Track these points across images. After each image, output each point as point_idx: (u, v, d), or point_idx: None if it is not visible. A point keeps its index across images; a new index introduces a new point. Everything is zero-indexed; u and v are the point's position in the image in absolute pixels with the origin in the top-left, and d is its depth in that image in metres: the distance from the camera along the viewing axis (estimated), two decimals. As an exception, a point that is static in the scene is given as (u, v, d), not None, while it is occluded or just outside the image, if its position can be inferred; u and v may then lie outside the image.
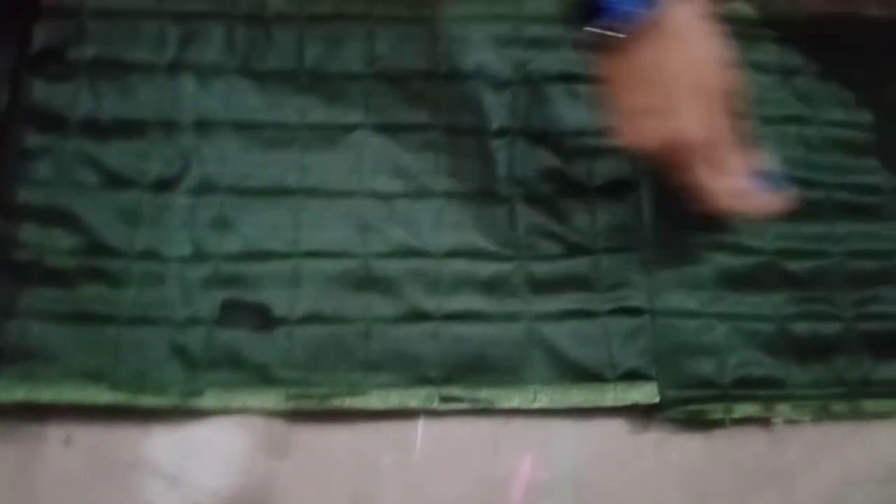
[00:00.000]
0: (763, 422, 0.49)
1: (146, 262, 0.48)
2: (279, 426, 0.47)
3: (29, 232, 0.48)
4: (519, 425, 0.48)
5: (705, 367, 0.49)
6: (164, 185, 0.50)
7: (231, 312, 0.48)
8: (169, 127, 0.51)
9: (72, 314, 0.47)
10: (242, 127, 0.52)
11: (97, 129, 0.51)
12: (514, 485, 0.47)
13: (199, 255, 0.49)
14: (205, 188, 0.50)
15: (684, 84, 0.42)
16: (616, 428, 0.49)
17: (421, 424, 0.48)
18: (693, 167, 0.44)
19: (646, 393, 0.48)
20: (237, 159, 0.51)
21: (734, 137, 0.44)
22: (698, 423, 0.49)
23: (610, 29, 0.41)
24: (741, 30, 0.55)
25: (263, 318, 0.48)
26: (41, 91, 0.51)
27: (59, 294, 0.47)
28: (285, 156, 0.52)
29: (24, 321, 0.46)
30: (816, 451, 0.49)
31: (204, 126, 0.51)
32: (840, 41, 0.58)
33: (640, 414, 0.49)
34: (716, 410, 0.48)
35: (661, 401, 0.48)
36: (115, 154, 0.50)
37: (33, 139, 0.50)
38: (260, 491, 0.45)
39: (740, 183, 0.44)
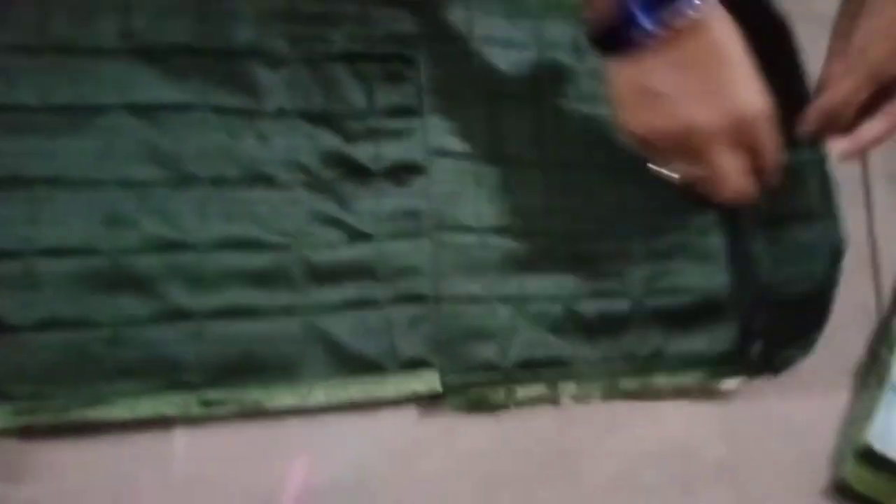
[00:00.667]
0: (551, 403, 0.48)
1: None
2: (10, 447, 0.42)
3: None
4: (291, 428, 0.45)
5: (488, 350, 0.47)
6: None
7: None
8: None
9: None
10: None
11: None
12: (284, 493, 0.43)
13: None
14: None
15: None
16: (400, 422, 0.46)
17: (177, 435, 0.43)
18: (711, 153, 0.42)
19: (427, 381, 0.46)
20: None
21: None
22: (484, 408, 0.47)
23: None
24: None
25: None
26: None
27: None
28: (23, 142, 0.45)
29: None
30: (604, 432, 0.48)
31: None
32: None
33: (427, 405, 0.47)
34: (498, 394, 0.47)
35: (444, 388, 0.46)
36: None
37: None
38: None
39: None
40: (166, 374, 0.43)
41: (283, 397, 0.44)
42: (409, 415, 0.46)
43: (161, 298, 0.44)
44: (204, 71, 0.49)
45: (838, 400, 0.51)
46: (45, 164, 0.45)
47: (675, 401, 0.49)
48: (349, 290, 0.47)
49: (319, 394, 0.45)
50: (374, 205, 0.49)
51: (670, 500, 0.47)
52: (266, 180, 0.48)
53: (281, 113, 0.49)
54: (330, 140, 0.49)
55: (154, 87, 0.48)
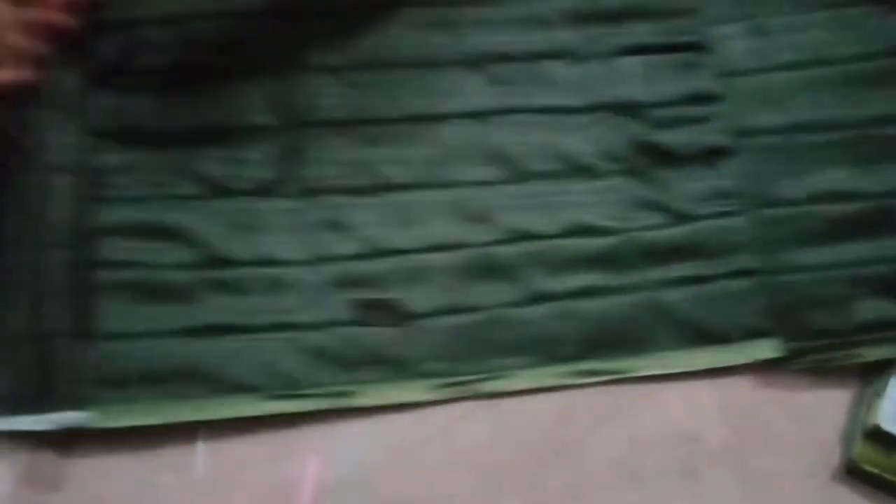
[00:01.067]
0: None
1: (262, 269, 0.48)
2: (48, 459, 0.46)
3: (136, 250, 0.48)
4: (302, 431, 0.48)
5: (826, 318, 0.49)
6: (266, 190, 0.50)
7: (363, 311, 0.48)
8: (259, 131, 0.51)
9: (203, 328, 0.47)
10: (335, 125, 0.51)
11: (183, 139, 0.50)
12: (300, 491, 0.46)
13: (316, 258, 0.49)
14: (309, 191, 0.50)
15: None
16: (400, 421, 0.48)
17: (201, 443, 0.47)
18: None
19: (771, 348, 0.49)
20: (335, 159, 0.51)
21: None
22: (827, 370, 0.49)
23: None
24: None
25: (397, 314, 0.48)
26: (112, 104, 0.50)
27: (185, 309, 0.47)
28: (383, 152, 0.52)
29: (154, 341, 0.46)
30: (605, 419, 0.49)
31: (294, 127, 0.51)
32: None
33: (425, 404, 0.49)
34: (838, 358, 0.49)
35: (788, 355, 0.48)
36: (209, 163, 0.50)
37: (116, 154, 0.50)
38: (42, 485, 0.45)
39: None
40: (544, 348, 0.49)
41: (648, 367, 0.49)
42: (408, 415, 0.48)
43: (525, 283, 0.50)
44: (516, 75, 0.54)
45: (848, 381, 0.50)
46: (406, 171, 0.51)
47: (676, 385, 0.49)
48: (682, 268, 0.50)
49: (677, 362, 0.49)
50: (689, 188, 0.52)
51: (673, 486, 0.48)
52: (587, 171, 0.52)
53: (590, 108, 0.53)
54: (638, 129, 0.53)
55: (483, 94, 0.53)
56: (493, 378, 0.48)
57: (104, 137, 0.50)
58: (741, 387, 0.49)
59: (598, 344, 0.49)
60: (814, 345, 0.49)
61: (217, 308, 0.47)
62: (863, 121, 0.53)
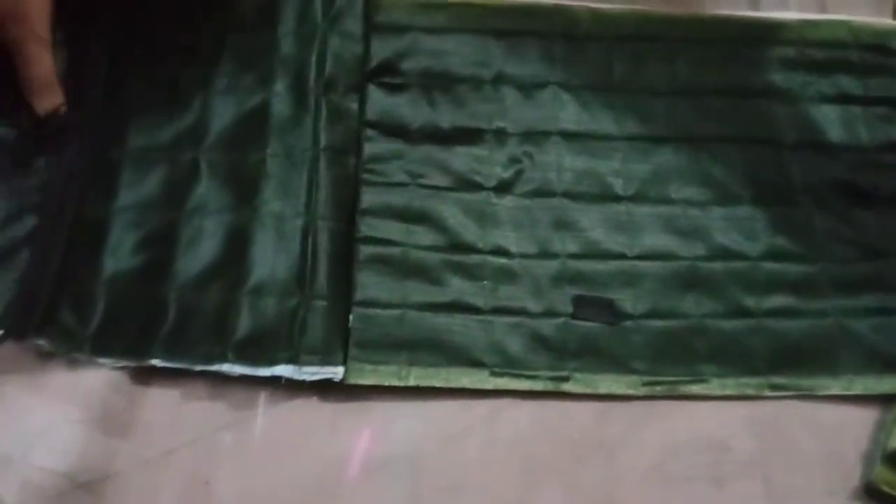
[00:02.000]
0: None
1: (497, 258, 0.54)
2: (119, 402, 0.49)
3: (394, 230, 0.54)
4: (357, 405, 0.51)
5: None
6: (504, 188, 0.56)
7: (584, 307, 0.54)
8: (500, 135, 0.57)
9: (445, 305, 0.53)
10: (567, 136, 0.58)
11: (438, 135, 0.57)
12: (351, 459, 0.49)
13: (544, 254, 0.55)
14: (540, 193, 0.56)
15: None
16: (449, 406, 0.51)
17: (261, 404, 0.50)
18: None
19: None
20: (566, 167, 0.57)
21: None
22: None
23: None
24: None
25: (613, 313, 0.54)
26: (381, 100, 0.57)
27: (431, 287, 0.53)
28: (608, 165, 0.58)
29: (404, 311, 0.52)
30: (640, 424, 0.52)
31: (532, 135, 0.58)
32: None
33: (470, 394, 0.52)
34: None
35: None
36: (459, 159, 0.56)
37: (381, 144, 0.56)
38: (98, 470, 0.47)
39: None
40: (741, 360, 0.53)
41: (831, 387, 0.53)
42: (455, 402, 0.51)
43: (727, 299, 0.55)
44: (734, 109, 0.61)
45: (872, 403, 0.53)
46: (627, 184, 0.58)
47: (706, 398, 0.53)
48: (869, 299, 0.56)
49: (858, 386, 0.53)
50: (879, 225, 0.58)
51: (701, 492, 0.50)
52: (788, 203, 0.58)
53: (796, 145, 0.60)
54: (834, 168, 0.59)
55: (697, 123, 0.60)
56: (692, 382, 0.52)
57: (373, 128, 0.56)
58: (769, 402, 0.53)
59: (789, 361, 0.53)
60: None
61: (456, 289, 0.53)
62: None
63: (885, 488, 0.49)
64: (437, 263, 0.53)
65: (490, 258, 0.54)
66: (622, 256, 0.56)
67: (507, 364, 0.52)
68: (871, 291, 0.56)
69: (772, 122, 0.60)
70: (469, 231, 0.55)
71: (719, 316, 0.54)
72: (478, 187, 0.56)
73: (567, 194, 0.57)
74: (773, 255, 0.56)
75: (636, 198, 0.57)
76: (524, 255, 0.55)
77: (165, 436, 0.49)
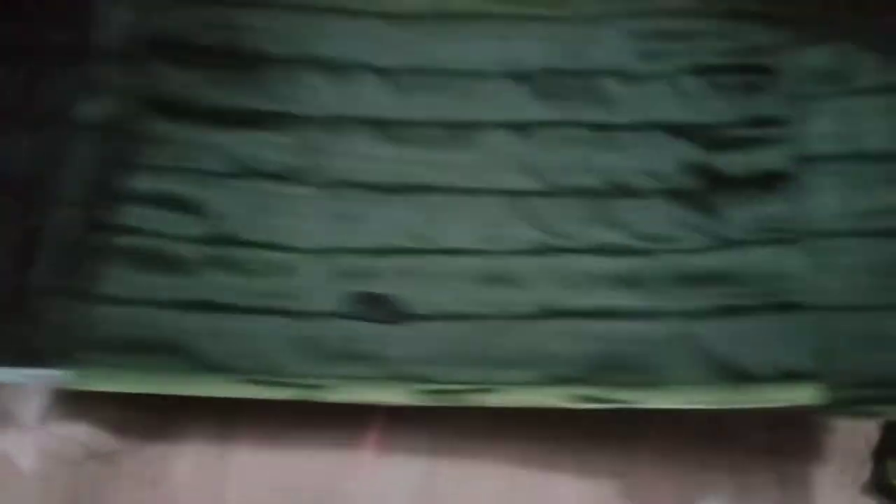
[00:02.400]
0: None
1: (270, 252, 0.48)
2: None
3: (148, 218, 0.48)
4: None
5: (882, 364, 0.46)
6: (290, 177, 0.50)
7: (361, 305, 0.48)
8: (295, 120, 0.51)
9: (196, 303, 0.47)
10: (372, 124, 0.52)
11: (223, 118, 0.51)
12: (366, 441, 0.49)
13: (327, 249, 0.49)
14: (332, 182, 0.50)
15: None
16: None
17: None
18: None
19: (809, 394, 0.44)
20: (367, 156, 0.51)
21: None
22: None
23: None
24: None
25: (394, 312, 0.48)
26: (167, 79, 0.51)
27: (182, 282, 0.47)
28: (414, 153, 0.52)
29: (147, 309, 0.46)
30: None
31: (333, 122, 0.52)
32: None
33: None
34: (891, 411, 0.46)
35: (830, 403, 0.45)
36: (241, 144, 0.50)
37: (157, 125, 0.50)
38: (116, 440, 0.47)
39: None
40: (545, 368, 0.46)
41: (655, 399, 0.45)
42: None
43: (538, 297, 0.48)
44: (566, 89, 0.53)
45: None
46: (437, 174, 0.51)
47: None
48: (717, 296, 0.48)
49: (692, 398, 0.45)
50: (740, 212, 0.49)
51: (715, 479, 0.50)
52: (627, 190, 0.51)
53: (638, 126, 0.52)
54: (690, 151, 0.51)
55: (525, 106, 0.53)
56: (482, 391, 0.45)
57: (148, 106, 0.50)
58: None
59: (607, 369, 0.46)
60: (861, 394, 0.45)
61: (214, 285, 0.48)
62: None
63: (895, 481, 0.50)
64: (194, 257, 0.48)
65: (261, 252, 0.48)
66: (417, 251, 0.49)
67: (261, 370, 0.46)
68: (720, 287, 0.48)
69: (611, 102, 0.53)
70: (239, 222, 0.49)
71: (527, 316, 0.47)
72: (257, 174, 0.50)
73: (364, 185, 0.50)
74: (598, 248, 0.49)
75: (441, 189, 0.51)
76: (303, 251, 0.48)
77: (182, 407, 0.49)
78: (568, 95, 0.53)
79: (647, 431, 0.51)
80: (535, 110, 0.52)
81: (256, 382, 0.45)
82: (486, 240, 0.49)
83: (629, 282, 0.48)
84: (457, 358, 0.46)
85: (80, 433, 0.46)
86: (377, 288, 0.48)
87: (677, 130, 0.52)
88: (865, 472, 0.51)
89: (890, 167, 0.50)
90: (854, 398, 0.45)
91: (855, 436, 0.52)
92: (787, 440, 0.51)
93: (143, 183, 0.49)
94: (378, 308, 0.47)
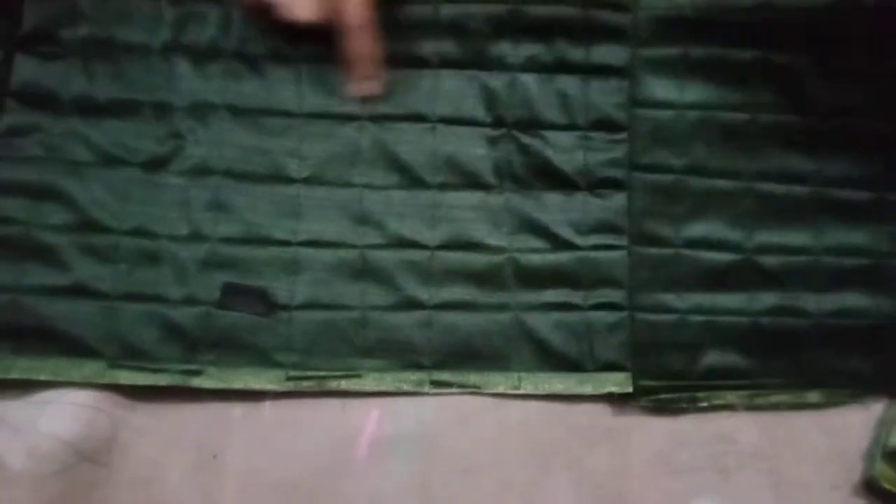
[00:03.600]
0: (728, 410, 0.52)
1: (138, 240, 0.49)
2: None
3: (16, 208, 0.49)
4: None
5: (678, 360, 0.52)
6: (157, 165, 0.51)
7: (232, 296, 0.49)
8: (162, 108, 0.51)
9: (64, 289, 0.48)
10: (238, 112, 0.52)
11: (89, 108, 0.51)
12: (360, 439, 0.49)
13: (194, 237, 0.50)
14: (199, 170, 0.51)
15: None
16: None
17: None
18: None
19: (621, 383, 0.51)
20: (233, 144, 0.52)
21: None
22: (669, 411, 0.52)
23: None
24: None
25: (265, 303, 0.49)
26: (32, 70, 0.51)
27: (51, 270, 0.48)
28: (282, 143, 0.52)
29: (16, 296, 0.47)
30: (650, 413, 0.52)
31: (199, 109, 0.52)
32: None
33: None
34: (683, 400, 0.52)
35: (634, 391, 0.51)
36: (108, 133, 0.51)
37: (22, 116, 0.50)
38: (105, 439, 0.46)
39: None
40: (403, 355, 0.50)
41: (498, 384, 0.51)
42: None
43: (399, 290, 0.51)
44: (420, 83, 0.54)
45: (875, 402, 0.54)
46: (303, 165, 0.52)
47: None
48: (553, 295, 0.52)
49: (528, 384, 0.51)
50: (578, 217, 0.53)
51: (708, 481, 0.50)
52: (482, 187, 0.53)
53: (493, 123, 0.54)
54: (537, 149, 0.53)
55: (388, 101, 0.53)
56: (344, 377, 0.49)
57: (15, 99, 0.51)
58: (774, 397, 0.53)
59: (458, 356, 0.50)
60: (660, 385, 0.51)
61: (82, 272, 0.48)
62: (752, 175, 0.54)
63: (886, 485, 0.50)
64: (63, 245, 0.48)
65: (127, 239, 0.49)
66: (284, 243, 0.51)
67: (129, 355, 0.47)
68: (555, 286, 0.52)
69: (469, 99, 0.53)
70: (105, 210, 0.49)
71: (386, 308, 0.51)
72: (122, 163, 0.50)
73: (228, 173, 0.51)
74: (457, 244, 0.52)
75: (311, 180, 0.52)
76: (170, 238, 0.49)
77: (175, 409, 0.48)
78: (421, 88, 0.54)
79: (642, 432, 0.51)
80: (392, 103, 0.53)
81: (129, 368, 0.47)
82: (347, 232, 0.51)
83: (480, 278, 0.52)
84: (322, 346, 0.49)
85: (70, 433, 0.46)
86: (243, 277, 0.50)
87: (526, 127, 0.54)
88: (857, 474, 0.51)
89: (707, 183, 0.54)
90: (653, 388, 0.51)
91: (846, 435, 0.52)
92: (778, 442, 0.52)
93: (10, 173, 0.49)
94: (247, 298, 0.49)
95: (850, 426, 0.53)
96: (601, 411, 0.52)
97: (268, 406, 0.49)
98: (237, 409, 0.49)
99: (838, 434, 0.52)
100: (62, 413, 0.46)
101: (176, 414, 0.48)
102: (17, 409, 0.46)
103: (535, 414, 0.51)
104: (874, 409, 0.53)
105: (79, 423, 0.46)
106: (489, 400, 0.51)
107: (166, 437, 0.47)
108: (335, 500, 0.47)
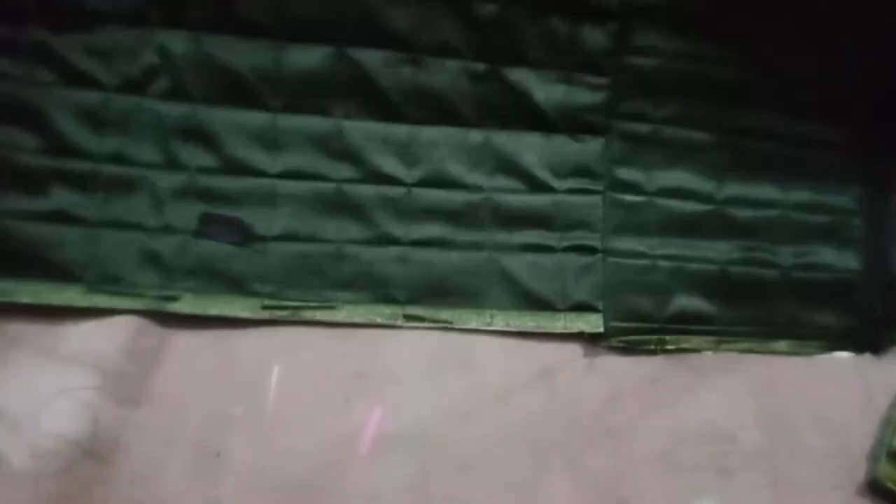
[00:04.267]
0: (693, 352, 0.54)
1: (113, 167, 0.49)
2: (131, 371, 0.48)
3: None
4: (369, 381, 0.50)
5: (647, 303, 0.53)
6: (130, 87, 0.49)
7: (209, 225, 0.50)
8: (134, 23, 0.49)
9: (45, 214, 0.48)
10: (203, 31, 0.49)
11: (56, 21, 0.48)
12: (363, 437, 0.49)
13: (171, 165, 0.49)
14: (174, 94, 0.49)
15: None
16: (462, 386, 0.51)
17: (275, 374, 0.49)
18: None
19: (591, 323, 0.52)
20: (220, 65, 0.49)
21: None
22: (638, 352, 0.53)
23: None
24: None
25: (242, 233, 0.50)
26: None
27: (30, 195, 0.48)
28: (253, 67, 0.50)
29: None
30: (650, 411, 0.52)
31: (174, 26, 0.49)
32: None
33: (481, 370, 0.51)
34: (651, 342, 0.53)
35: (604, 331, 0.52)
36: (73, 50, 0.48)
37: None
38: (108, 438, 0.46)
39: None
40: (377, 289, 0.51)
41: (470, 320, 0.51)
42: (468, 381, 0.51)
43: (375, 225, 0.52)
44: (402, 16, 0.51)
45: (879, 401, 0.53)
46: (281, 93, 0.51)
47: (718, 385, 0.53)
48: (528, 235, 0.53)
49: (500, 321, 0.52)
50: (557, 159, 0.54)
51: (708, 481, 0.50)
52: (462, 122, 0.53)
53: (481, 56, 0.52)
54: (524, 89, 0.53)
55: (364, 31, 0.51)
56: (318, 308, 0.49)
57: None
58: (778, 395, 0.53)
59: (431, 292, 0.51)
60: (629, 326, 0.52)
61: (63, 199, 0.47)
62: (727, 129, 0.55)
63: (889, 484, 0.50)
64: (40, 169, 0.47)
65: (105, 167, 0.48)
66: (262, 174, 0.50)
67: (108, 281, 0.47)
68: (531, 227, 0.52)
69: (444, 30, 0.52)
70: (82, 134, 0.48)
71: (361, 242, 0.51)
72: (94, 85, 0.48)
73: (205, 100, 0.49)
74: (434, 182, 0.52)
75: (286, 108, 0.50)
76: (147, 165, 0.49)
77: (177, 406, 0.48)
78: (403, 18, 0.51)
79: (642, 432, 0.51)
80: (371, 36, 0.51)
81: (105, 292, 0.47)
82: (325, 166, 0.51)
83: (457, 216, 0.52)
84: (298, 278, 0.50)
85: (72, 431, 0.46)
86: (221, 207, 0.50)
87: (510, 62, 0.53)
88: (858, 474, 0.51)
89: (690, 134, 0.55)
90: (623, 329, 0.52)
91: (848, 435, 0.52)
92: (779, 441, 0.51)
93: None
94: (224, 227, 0.50)
95: (851, 426, 0.52)
96: (599, 408, 0.52)
97: (270, 403, 0.49)
98: (239, 408, 0.49)
99: (840, 434, 0.52)
100: (65, 410, 0.46)
101: (179, 412, 0.48)
102: (20, 405, 0.46)
103: (536, 412, 0.51)
104: (877, 410, 0.53)
105: (82, 421, 0.46)
106: (489, 396, 0.51)
107: (168, 434, 0.47)
108: (335, 497, 0.47)
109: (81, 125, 0.48)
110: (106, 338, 0.48)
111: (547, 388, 0.52)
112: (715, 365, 0.53)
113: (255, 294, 0.49)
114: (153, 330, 0.49)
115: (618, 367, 0.52)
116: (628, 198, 0.54)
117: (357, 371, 0.50)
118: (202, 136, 0.50)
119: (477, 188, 0.52)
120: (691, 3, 0.53)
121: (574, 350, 0.52)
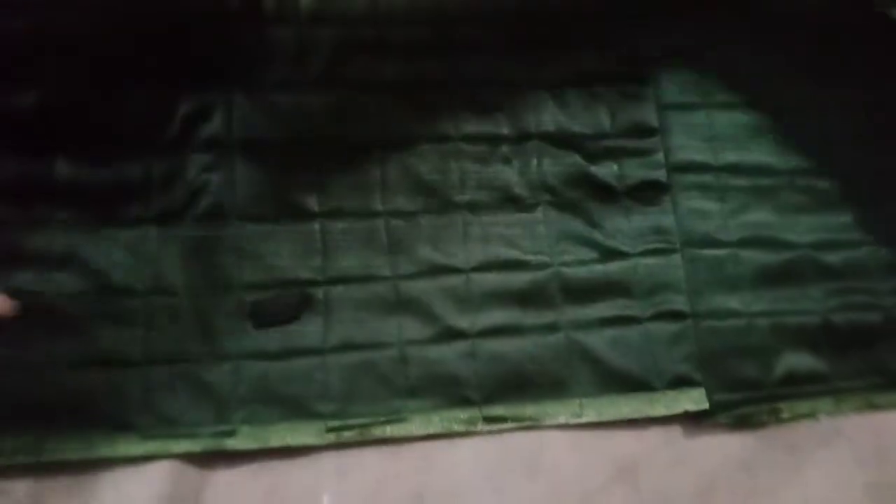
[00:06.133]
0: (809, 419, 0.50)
1: (160, 298, 0.46)
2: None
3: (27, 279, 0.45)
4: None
5: (751, 368, 0.50)
6: (169, 216, 0.47)
7: (263, 312, 0.46)
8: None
9: (94, 359, 0.45)
10: (246, 145, 0.49)
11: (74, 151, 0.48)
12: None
13: (217, 286, 0.47)
14: (214, 216, 0.48)
15: None
16: (533, 496, 0.47)
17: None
18: None
19: (695, 399, 0.48)
20: (245, 184, 0.48)
21: None
22: (750, 425, 0.49)
23: None
24: None
25: (298, 304, 0.47)
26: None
27: (71, 340, 0.45)
28: (300, 177, 0.49)
29: (39, 372, 0.44)
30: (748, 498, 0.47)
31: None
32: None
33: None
34: (763, 412, 0.49)
35: (711, 407, 0.48)
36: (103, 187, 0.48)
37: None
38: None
39: None
40: (449, 390, 0.47)
41: (557, 414, 0.47)
42: (537, 488, 0.47)
43: (437, 320, 0.48)
44: (449, 102, 0.51)
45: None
46: (320, 198, 0.49)
47: (818, 464, 0.49)
48: (605, 307, 0.50)
49: (591, 411, 0.47)
50: (623, 223, 0.51)
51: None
52: (514, 202, 0.51)
53: (523, 137, 0.52)
54: (573, 161, 0.52)
55: (411, 122, 0.51)
56: (387, 423, 0.46)
57: None
58: (890, 464, 0.49)
59: (508, 387, 0.48)
60: (736, 398, 0.49)
61: (108, 340, 0.45)
62: (790, 169, 0.54)
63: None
64: (82, 313, 0.45)
65: (152, 299, 0.46)
66: (312, 283, 0.48)
67: (162, 424, 0.45)
68: (609, 298, 0.50)
69: (495, 115, 0.52)
70: (123, 271, 0.46)
71: (426, 341, 0.48)
72: (136, 221, 0.47)
73: (244, 217, 0.48)
74: (492, 265, 0.50)
75: (331, 214, 0.49)
76: (192, 291, 0.47)
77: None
78: (447, 108, 0.52)
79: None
80: (416, 125, 0.51)
81: (161, 437, 0.44)
82: (380, 265, 0.49)
83: (524, 298, 0.50)
84: (360, 390, 0.47)
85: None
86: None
87: (559, 140, 0.52)
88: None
89: (756, 180, 0.54)
90: (730, 402, 0.48)
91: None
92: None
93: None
94: (281, 308, 0.47)
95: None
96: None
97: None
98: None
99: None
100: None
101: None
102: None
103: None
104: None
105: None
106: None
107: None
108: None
109: (120, 262, 0.46)
110: (143, 485, 0.44)
111: (630, 487, 0.47)
112: (813, 439, 0.49)
113: (318, 415, 0.45)
114: (191, 470, 0.45)
115: (706, 453, 0.47)
116: (710, 252, 0.51)
117: (415, 492, 0.46)
118: (245, 252, 0.48)
119: (542, 264, 0.50)
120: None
121: (654, 437, 0.47)
